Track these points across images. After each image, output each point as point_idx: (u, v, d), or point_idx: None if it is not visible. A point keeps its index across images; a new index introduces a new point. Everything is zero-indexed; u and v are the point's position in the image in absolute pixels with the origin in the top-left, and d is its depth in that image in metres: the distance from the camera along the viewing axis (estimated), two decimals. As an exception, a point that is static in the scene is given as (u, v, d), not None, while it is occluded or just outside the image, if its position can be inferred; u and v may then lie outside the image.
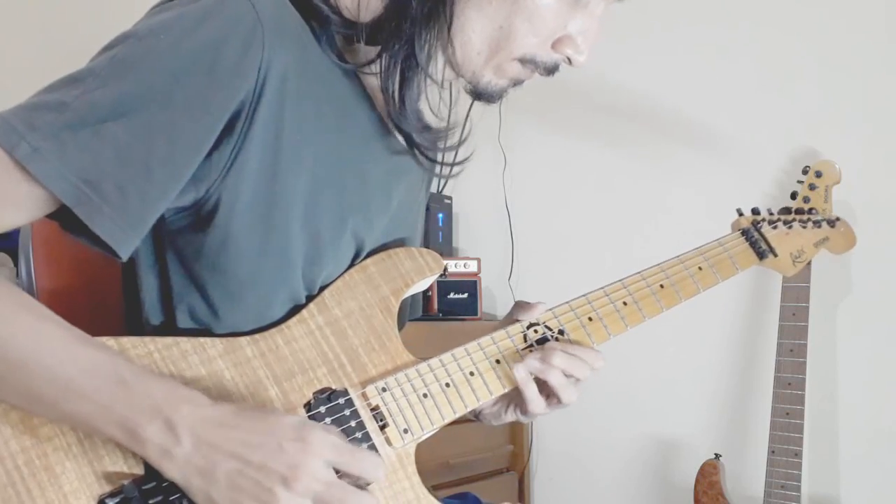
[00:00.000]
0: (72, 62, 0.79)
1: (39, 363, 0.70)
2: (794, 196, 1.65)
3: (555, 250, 2.27)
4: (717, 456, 1.84)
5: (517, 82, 0.90)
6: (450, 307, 2.09)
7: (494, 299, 2.32)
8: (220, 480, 0.70)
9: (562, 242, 2.26)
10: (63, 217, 0.75)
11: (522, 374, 0.91)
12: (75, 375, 0.70)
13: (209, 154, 0.77)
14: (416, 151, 0.93)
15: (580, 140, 2.23)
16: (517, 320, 0.96)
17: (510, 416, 0.99)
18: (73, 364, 0.71)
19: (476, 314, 2.11)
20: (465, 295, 2.11)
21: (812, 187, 1.63)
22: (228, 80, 0.75)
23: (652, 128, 2.10)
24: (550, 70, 0.88)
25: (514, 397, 0.98)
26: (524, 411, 0.96)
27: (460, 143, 0.96)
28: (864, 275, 1.83)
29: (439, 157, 0.97)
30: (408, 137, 0.91)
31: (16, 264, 1.49)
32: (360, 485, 0.76)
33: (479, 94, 0.90)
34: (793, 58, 1.92)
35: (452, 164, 0.98)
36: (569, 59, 0.87)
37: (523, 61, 0.86)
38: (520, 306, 0.98)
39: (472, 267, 2.13)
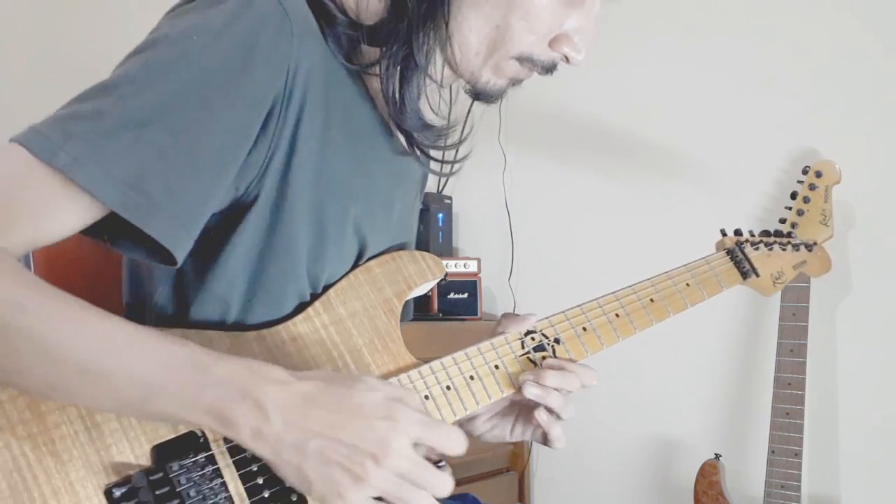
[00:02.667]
0: (72, 73, 0.79)
1: (117, 366, 0.68)
2: (794, 196, 1.65)
3: (555, 250, 2.27)
4: (717, 456, 1.84)
5: (516, 81, 0.90)
6: (450, 307, 2.09)
7: (494, 299, 2.32)
8: (310, 455, 0.70)
9: (562, 242, 2.26)
10: (107, 232, 0.74)
11: (545, 418, 0.94)
12: (156, 372, 0.69)
13: (248, 155, 0.77)
14: (417, 150, 0.93)
15: (580, 140, 2.23)
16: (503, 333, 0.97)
17: (517, 434, 1.01)
18: (153, 360, 0.69)
19: (476, 314, 2.11)
20: (465, 295, 2.11)
21: (812, 187, 1.63)
22: (263, 76, 0.76)
23: (652, 129, 2.10)
24: (548, 69, 0.89)
25: (521, 415, 1.00)
26: (537, 432, 0.98)
27: (461, 140, 0.96)
28: (864, 275, 1.83)
29: (439, 156, 0.97)
30: (408, 136, 0.91)
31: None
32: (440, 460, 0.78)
33: (478, 94, 0.90)
34: (792, 58, 1.92)
35: (452, 162, 0.99)
36: (566, 58, 0.88)
37: (521, 60, 0.87)
38: (508, 319, 0.99)
39: (472, 267, 2.13)
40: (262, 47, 0.75)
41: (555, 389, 0.93)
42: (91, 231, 0.74)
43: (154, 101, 0.72)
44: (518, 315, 0.99)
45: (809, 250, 1.26)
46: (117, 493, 0.72)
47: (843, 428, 1.85)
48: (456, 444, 0.75)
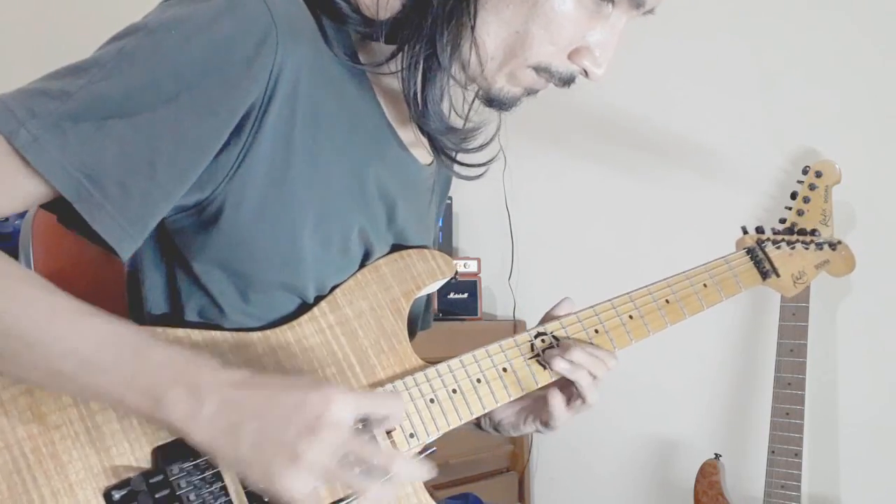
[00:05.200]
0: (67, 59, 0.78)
1: (56, 337, 0.68)
2: (794, 196, 1.65)
3: (555, 250, 2.27)
4: (717, 456, 1.84)
5: (531, 91, 0.87)
6: (450, 307, 2.10)
7: (494, 299, 2.32)
8: (244, 440, 0.68)
9: (562, 242, 2.26)
10: (59, 209, 0.74)
11: (564, 365, 0.92)
12: (94, 347, 0.69)
13: (216, 155, 0.76)
14: (441, 154, 0.91)
15: (580, 140, 2.23)
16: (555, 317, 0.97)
17: (529, 426, 0.99)
18: (93, 336, 0.69)
19: (476, 314, 2.11)
20: (465, 295, 2.11)
21: (812, 187, 1.63)
22: (238, 82, 0.73)
23: (652, 128, 2.10)
24: (566, 81, 0.85)
25: (533, 407, 0.98)
26: (544, 421, 0.97)
27: (488, 142, 0.93)
28: (864, 275, 1.82)
29: (462, 158, 0.94)
30: (431, 139, 0.89)
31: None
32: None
33: (491, 101, 0.87)
34: (792, 58, 1.92)
35: (478, 165, 0.96)
36: (585, 72, 0.84)
37: (538, 69, 0.83)
38: (555, 309, 0.99)
39: (472, 267, 2.14)
40: (241, 52, 0.73)
41: (581, 367, 0.92)
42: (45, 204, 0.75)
43: (121, 91, 0.71)
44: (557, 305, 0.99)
45: (833, 249, 1.22)
46: (116, 495, 0.72)
47: (843, 428, 1.85)
48: (396, 408, 0.75)
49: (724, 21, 2.02)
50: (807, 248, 1.19)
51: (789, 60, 1.92)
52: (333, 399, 0.69)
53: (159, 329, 0.79)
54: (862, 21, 1.85)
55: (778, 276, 1.15)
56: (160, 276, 0.84)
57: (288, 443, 0.68)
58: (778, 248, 1.16)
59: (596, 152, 2.20)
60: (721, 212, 1.98)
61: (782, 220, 1.61)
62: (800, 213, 1.61)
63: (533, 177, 2.30)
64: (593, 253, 2.19)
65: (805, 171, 1.66)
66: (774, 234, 1.19)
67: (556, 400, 0.94)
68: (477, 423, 1.05)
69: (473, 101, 0.88)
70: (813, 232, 1.22)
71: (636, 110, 2.12)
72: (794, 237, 1.19)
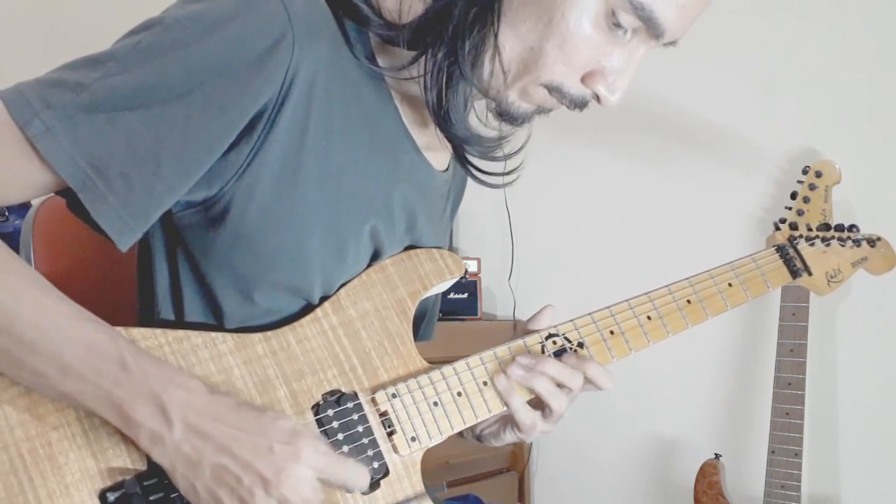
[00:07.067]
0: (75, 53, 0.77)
1: (44, 339, 0.69)
2: (793, 196, 1.65)
3: (555, 250, 2.27)
4: (717, 456, 1.84)
5: (543, 110, 0.86)
6: (450, 307, 2.09)
7: (494, 299, 2.32)
8: (205, 472, 0.70)
9: (562, 242, 2.26)
10: (68, 196, 0.74)
11: (504, 384, 0.89)
12: (78, 355, 0.70)
13: (226, 153, 0.76)
14: (465, 162, 0.90)
15: (580, 140, 2.23)
16: (533, 331, 0.94)
17: (509, 435, 0.95)
18: (78, 342, 0.70)
19: (476, 314, 2.11)
20: (465, 295, 2.11)
21: (812, 187, 1.63)
22: (251, 82, 0.73)
23: (652, 128, 2.10)
24: (577, 104, 0.84)
25: (509, 416, 0.94)
26: (519, 428, 0.92)
27: (517, 150, 0.91)
28: (864, 275, 1.82)
29: (485, 166, 0.93)
30: (456, 148, 0.88)
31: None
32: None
33: (501, 115, 0.85)
34: (792, 57, 1.92)
35: (504, 174, 0.94)
36: (598, 97, 0.83)
37: (550, 89, 0.82)
38: (527, 322, 0.96)
39: (472, 267, 2.13)
40: (255, 52, 0.73)
41: (547, 376, 0.88)
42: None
43: (134, 85, 0.71)
44: (534, 316, 0.95)
45: (872, 245, 1.15)
46: (111, 497, 0.72)
47: (843, 428, 1.85)
48: (359, 480, 0.75)
49: (723, 21, 2.01)
50: (843, 245, 1.13)
51: (789, 60, 1.92)
52: (300, 456, 0.70)
53: (158, 331, 0.78)
54: (862, 21, 1.85)
55: (810, 274, 1.09)
56: (166, 275, 0.84)
57: (244, 488, 0.69)
58: (812, 244, 1.10)
59: (595, 152, 2.20)
60: (721, 212, 1.98)
61: (782, 220, 1.61)
62: (800, 212, 1.61)
63: (533, 177, 2.29)
64: (593, 253, 2.19)
65: (805, 171, 1.66)
66: (808, 230, 1.12)
67: (515, 401, 0.89)
68: (459, 433, 1.02)
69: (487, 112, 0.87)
70: (851, 228, 1.15)
71: (636, 110, 2.12)
72: (830, 233, 1.12)
